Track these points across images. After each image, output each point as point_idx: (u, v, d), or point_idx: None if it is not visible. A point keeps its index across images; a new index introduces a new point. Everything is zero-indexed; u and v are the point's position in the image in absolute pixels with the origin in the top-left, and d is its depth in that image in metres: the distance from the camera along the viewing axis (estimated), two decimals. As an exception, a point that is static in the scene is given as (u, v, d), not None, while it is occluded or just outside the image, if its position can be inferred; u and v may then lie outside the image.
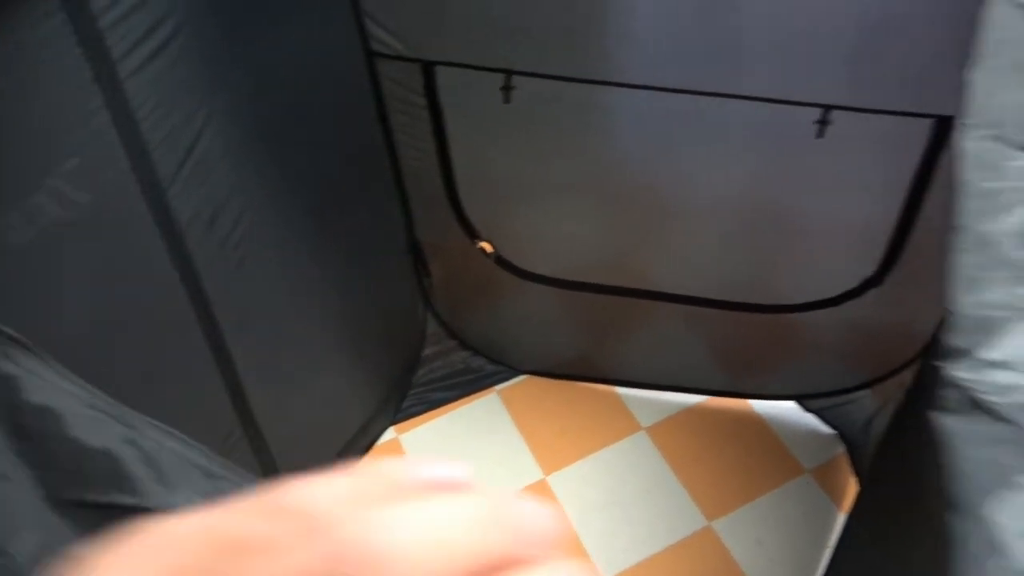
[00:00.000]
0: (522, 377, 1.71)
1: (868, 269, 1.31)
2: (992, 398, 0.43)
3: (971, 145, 0.52)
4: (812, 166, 1.19)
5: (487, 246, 1.49)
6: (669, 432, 1.63)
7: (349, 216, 1.35)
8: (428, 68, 1.24)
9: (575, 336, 1.64)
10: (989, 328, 0.45)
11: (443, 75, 1.25)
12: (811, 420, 1.64)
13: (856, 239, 1.28)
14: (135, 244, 0.90)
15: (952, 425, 0.44)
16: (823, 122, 1.09)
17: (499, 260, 1.51)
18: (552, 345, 1.66)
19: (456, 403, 1.67)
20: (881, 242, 1.26)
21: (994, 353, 0.45)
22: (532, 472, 1.57)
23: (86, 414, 0.32)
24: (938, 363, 0.47)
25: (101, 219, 0.84)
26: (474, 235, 1.48)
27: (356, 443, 1.56)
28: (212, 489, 0.31)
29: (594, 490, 1.54)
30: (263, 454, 1.29)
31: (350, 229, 1.36)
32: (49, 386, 0.31)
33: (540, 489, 1.54)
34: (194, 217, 0.98)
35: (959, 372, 0.45)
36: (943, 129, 1.05)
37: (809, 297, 1.42)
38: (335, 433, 1.50)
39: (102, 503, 0.30)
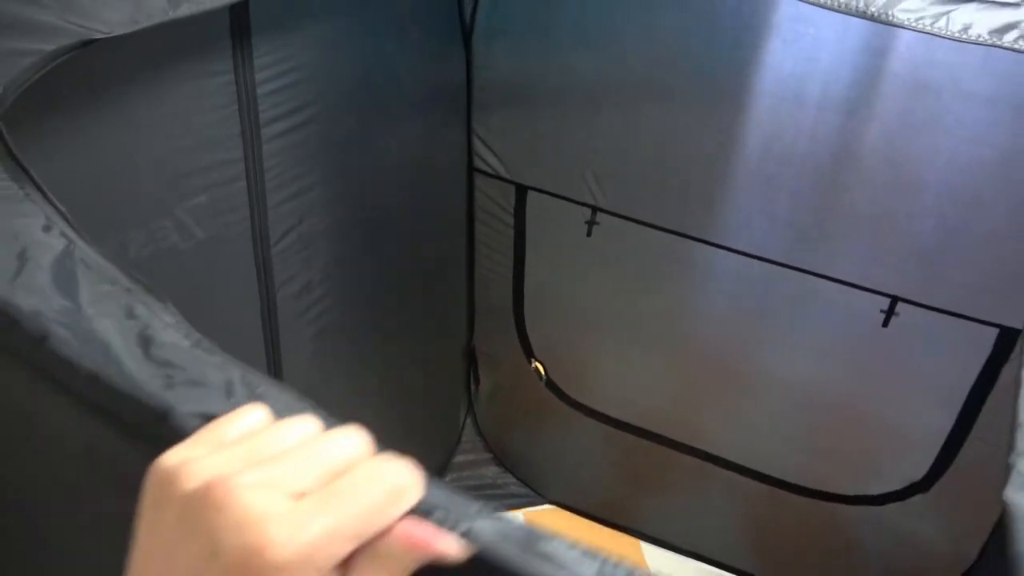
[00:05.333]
0: (548, 506, 1.69)
1: (916, 473, 1.28)
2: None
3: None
4: (874, 355, 1.20)
5: (541, 367, 1.53)
6: (685, 600, 1.56)
7: (419, 311, 1.42)
8: (521, 191, 1.34)
9: (611, 477, 1.62)
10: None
11: (533, 200, 1.34)
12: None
13: (908, 439, 1.26)
14: (232, 289, 0.98)
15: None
16: (890, 312, 1.12)
17: (550, 384, 1.54)
18: (586, 481, 1.65)
19: (476, 518, 1.65)
20: (933, 448, 1.24)
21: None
22: (537, 608, 1.51)
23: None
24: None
25: (209, 257, 0.92)
26: (530, 354, 1.52)
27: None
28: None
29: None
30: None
31: (417, 324, 1.42)
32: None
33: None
34: (288, 280, 1.06)
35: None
36: (1008, 341, 1.07)
37: (852, 490, 1.38)
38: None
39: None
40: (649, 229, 1.26)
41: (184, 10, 0.64)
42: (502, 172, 1.34)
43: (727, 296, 1.29)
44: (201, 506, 0.26)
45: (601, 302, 1.38)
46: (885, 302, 1.12)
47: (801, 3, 0.84)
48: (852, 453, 1.32)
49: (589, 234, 1.30)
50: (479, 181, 1.38)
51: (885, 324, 1.13)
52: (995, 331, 1.07)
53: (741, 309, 1.29)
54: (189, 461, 0.28)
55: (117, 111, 0.75)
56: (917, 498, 1.31)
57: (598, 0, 1.11)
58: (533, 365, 1.53)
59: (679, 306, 1.33)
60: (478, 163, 1.36)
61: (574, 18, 1.15)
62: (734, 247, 1.19)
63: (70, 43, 0.55)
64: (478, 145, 1.34)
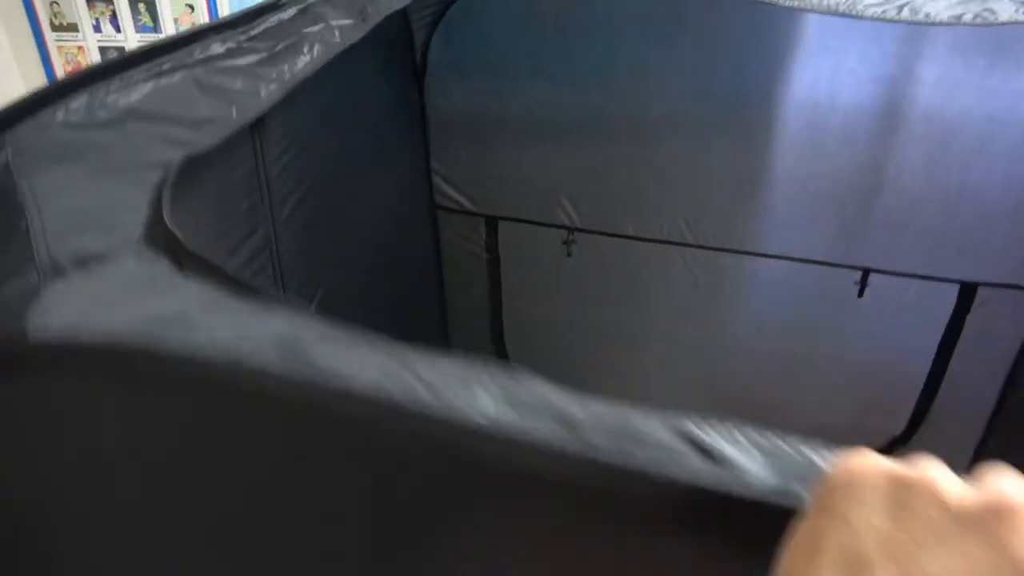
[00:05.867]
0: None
1: (897, 427, 1.40)
2: None
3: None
4: (852, 324, 1.29)
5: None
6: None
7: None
8: (491, 222, 1.34)
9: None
10: None
11: (506, 229, 1.34)
12: None
13: (889, 398, 1.36)
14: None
15: None
16: (863, 283, 1.22)
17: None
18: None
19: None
20: (910, 401, 1.35)
21: None
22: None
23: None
24: None
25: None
26: (513, 379, 1.52)
27: None
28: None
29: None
30: None
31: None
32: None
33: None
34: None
35: None
36: (967, 294, 1.19)
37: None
38: None
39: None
40: (625, 240, 1.29)
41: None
42: (468, 206, 1.33)
43: (711, 290, 1.33)
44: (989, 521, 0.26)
45: (586, 320, 1.40)
46: (857, 275, 1.22)
47: (763, 24, 0.90)
48: (841, 421, 1.42)
49: (569, 254, 1.32)
50: (443, 219, 1.37)
51: (860, 295, 1.23)
52: (956, 287, 1.19)
53: (731, 304, 1.33)
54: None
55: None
56: (899, 452, 1.43)
57: (549, 31, 1.13)
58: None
59: (668, 311, 1.37)
60: (441, 200, 1.34)
61: (529, 50, 1.16)
62: (714, 245, 1.25)
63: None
64: (439, 183, 1.32)
